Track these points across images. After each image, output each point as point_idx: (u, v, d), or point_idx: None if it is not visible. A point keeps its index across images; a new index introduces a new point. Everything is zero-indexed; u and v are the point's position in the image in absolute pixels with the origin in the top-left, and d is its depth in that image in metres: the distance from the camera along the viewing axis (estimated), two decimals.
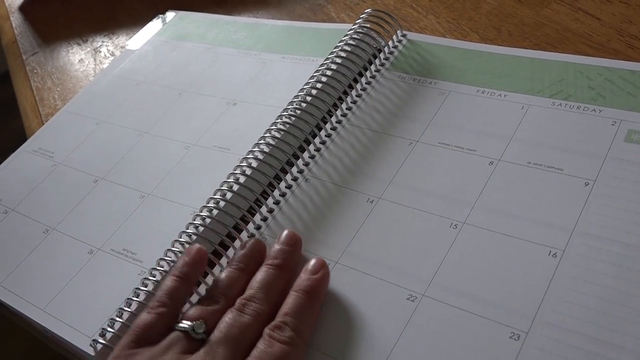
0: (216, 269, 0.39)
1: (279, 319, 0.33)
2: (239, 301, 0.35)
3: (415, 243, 0.36)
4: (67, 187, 0.50)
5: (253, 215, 0.41)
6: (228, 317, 0.34)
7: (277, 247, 0.37)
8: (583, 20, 0.48)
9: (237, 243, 0.40)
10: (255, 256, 0.38)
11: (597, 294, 0.31)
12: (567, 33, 0.48)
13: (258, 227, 0.40)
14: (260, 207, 0.41)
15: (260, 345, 0.32)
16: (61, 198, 0.49)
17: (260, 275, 0.36)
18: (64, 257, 0.44)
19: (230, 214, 0.40)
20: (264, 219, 0.41)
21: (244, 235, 0.40)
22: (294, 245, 0.38)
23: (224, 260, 0.39)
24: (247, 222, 0.40)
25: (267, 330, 0.33)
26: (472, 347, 0.31)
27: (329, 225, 0.39)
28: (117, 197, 0.47)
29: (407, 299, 0.34)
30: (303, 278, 0.35)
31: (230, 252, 0.39)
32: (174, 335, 0.34)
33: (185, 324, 0.34)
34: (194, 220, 0.40)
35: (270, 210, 0.41)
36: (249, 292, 0.35)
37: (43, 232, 0.46)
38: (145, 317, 0.34)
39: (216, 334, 0.33)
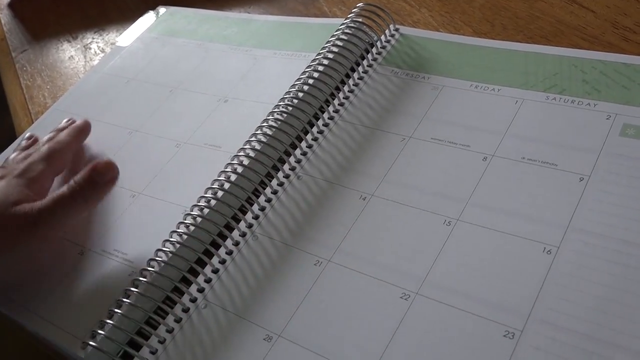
0: (207, 269, 0.38)
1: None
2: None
3: (408, 240, 0.36)
4: (58, 186, 0.49)
5: (245, 213, 0.40)
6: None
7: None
8: (577, 12, 0.48)
9: (228, 242, 0.39)
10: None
11: (593, 291, 0.30)
12: (561, 26, 0.47)
13: (250, 225, 0.40)
14: (252, 205, 0.41)
15: None
16: None
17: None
18: (54, 257, 0.43)
19: (222, 212, 0.39)
20: (256, 217, 0.40)
21: (235, 234, 0.40)
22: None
23: (215, 260, 0.38)
24: (238, 221, 0.40)
25: None
26: (466, 346, 0.31)
27: (322, 222, 0.39)
28: (108, 197, 0.46)
29: (401, 297, 0.34)
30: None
31: (222, 251, 0.39)
32: None
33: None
34: (185, 219, 0.39)
35: (262, 208, 0.41)
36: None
37: None
38: None
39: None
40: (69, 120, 0.53)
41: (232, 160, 0.42)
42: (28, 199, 0.41)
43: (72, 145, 0.49)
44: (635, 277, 0.30)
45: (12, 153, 0.51)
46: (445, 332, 0.31)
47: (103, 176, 0.42)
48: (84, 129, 0.51)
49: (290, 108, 0.43)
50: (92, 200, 0.42)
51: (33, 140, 0.52)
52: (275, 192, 0.41)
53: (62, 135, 0.49)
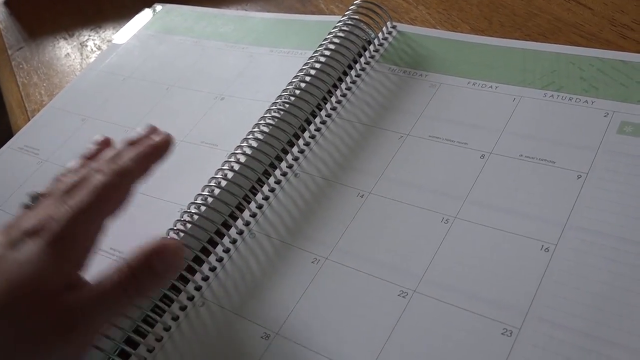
0: (204, 267, 0.38)
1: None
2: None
3: (406, 238, 0.36)
4: None
5: (242, 211, 0.40)
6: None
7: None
8: (575, 10, 0.48)
9: (225, 240, 0.39)
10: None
11: (591, 288, 0.30)
12: (558, 23, 0.47)
13: (247, 224, 0.40)
14: (249, 203, 0.40)
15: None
16: None
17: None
18: None
19: (219, 210, 0.39)
20: (253, 215, 0.40)
21: (232, 231, 0.39)
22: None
23: (212, 258, 0.38)
24: (236, 218, 0.40)
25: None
26: (464, 344, 0.31)
27: (319, 220, 0.38)
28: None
29: (399, 295, 0.33)
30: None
31: (219, 249, 0.39)
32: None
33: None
34: (182, 218, 0.39)
35: (260, 206, 0.40)
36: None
37: None
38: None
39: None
40: (149, 130, 0.38)
41: (229, 158, 0.41)
42: (63, 277, 0.30)
43: (136, 176, 0.35)
44: (633, 275, 0.30)
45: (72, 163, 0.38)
46: (443, 330, 0.31)
47: (167, 265, 0.32)
48: (162, 148, 0.37)
49: (287, 106, 0.43)
50: (145, 293, 0.32)
51: (102, 145, 0.39)
52: (272, 190, 0.41)
53: (126, 158, 0.34)
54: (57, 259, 0.30)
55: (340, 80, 0.46)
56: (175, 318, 0.36)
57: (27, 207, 0.34)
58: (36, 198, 0.34)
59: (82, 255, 0.31)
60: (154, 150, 0.36)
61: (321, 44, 0.46)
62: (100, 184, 0.32)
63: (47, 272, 0.29)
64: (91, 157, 0.38)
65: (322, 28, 0.51)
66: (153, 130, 0.38)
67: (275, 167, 0.42)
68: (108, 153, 0.36)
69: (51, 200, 0.33)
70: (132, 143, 0.36)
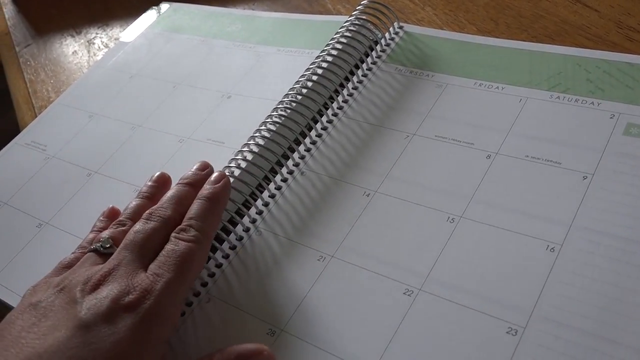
0: (210, 263, 0.38)
1: (184, 223, 0.35)
2: (145, 214, 0.36)
3: (411, 237, 0.36)
4: (60, 180, 0.49)
5: (248, 208, 0.40)
6: (134, 227, 0.35)
7: (188, 172, 0.39)
8: (581, 12, 0.48)
9: (232, 237, 0.39)
10: (161, 186, 0.40)
11: (596, 289, 0.30)
12: (565, 25, 0.47)
13: (253, 221, 0.40)
14: (255, 200, 0.41)
15: (167, 246, 0.34)
16: (54, 192, 0.48)
17: (169, 192, 0.38)
18: (57, 251, 0.43)
19: (225, 207, 0.39)
20: (260, 213, 0.40)
21: (239, 229, 0.40)
22: (204, 170, 0.39)
23: (218, 254, 0.38)
24: (242, 216, 0.40)
25: (173, 233, 0.34)
26: (468, 342, 0.31)
27: (325, 218, 0.39)
28: (111, 192, 0.46)
29: (404, 293, 0.34)
30: (206, 187, 0.37)
31: (225, 245, 0.39)
32: (85, 256, 0.35)
33: (94, 244, 0.35)
34: None
35: (266, 204, 0.41)
36: (156, 205, 0.37)
37: (36, 226, 0.46)
38: (104, 234, 0.36)
39: (123, 242, 0.34)
40: (204, 170, 0.40)
41: (236, 156, 0.42)
42: (155, 357, 0.31)
43: (212, 237, 0.37)
44: (638, 275, 0.30)
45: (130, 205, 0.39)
46: (448, 328, 0.32)
47: None
48: (226, 196, 0.38)
49: (294, 104, 0.43)
50: None
51: (159, 182, 0.41)
52: (279, 188, 0.41)
53: (198, 217, 0.35)
54: (151, 339, 0.30)
55: (347, 79, 0.46)
56: (182, 314, 0.37)
57: (97, 251, 0.35)
58: (108, 242, 0.35)
59: (170, 331, 0.32)
60: (222, 204, 0.37)
61: (328, 44, 0.47)
62: (188, 255, 0.33)
63: (143, 354, 0.30)
64: (150, 197, 0.39)
65: (329, 28, 0.51)
66: (206, 166, 0.40)
67: (281, 165, 0.42)
68: (171, 197, 0.37)
69: (130, 257, 0.33)
70: (191, 183, 0.38)
